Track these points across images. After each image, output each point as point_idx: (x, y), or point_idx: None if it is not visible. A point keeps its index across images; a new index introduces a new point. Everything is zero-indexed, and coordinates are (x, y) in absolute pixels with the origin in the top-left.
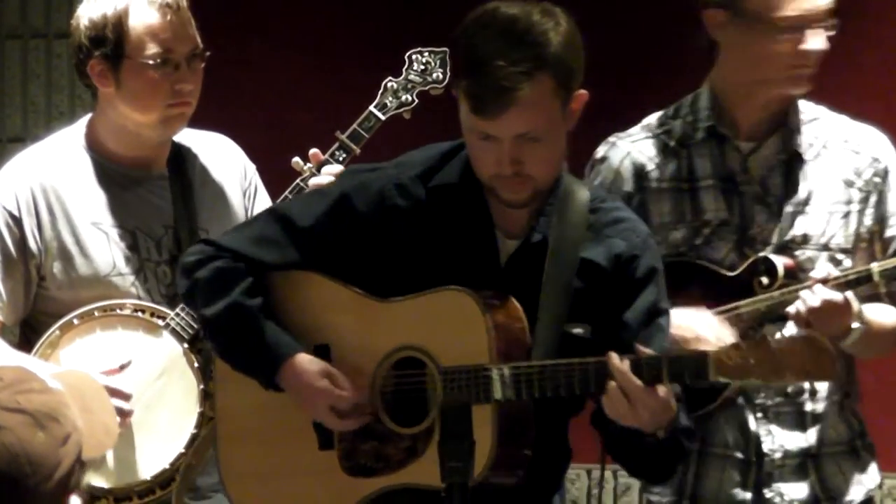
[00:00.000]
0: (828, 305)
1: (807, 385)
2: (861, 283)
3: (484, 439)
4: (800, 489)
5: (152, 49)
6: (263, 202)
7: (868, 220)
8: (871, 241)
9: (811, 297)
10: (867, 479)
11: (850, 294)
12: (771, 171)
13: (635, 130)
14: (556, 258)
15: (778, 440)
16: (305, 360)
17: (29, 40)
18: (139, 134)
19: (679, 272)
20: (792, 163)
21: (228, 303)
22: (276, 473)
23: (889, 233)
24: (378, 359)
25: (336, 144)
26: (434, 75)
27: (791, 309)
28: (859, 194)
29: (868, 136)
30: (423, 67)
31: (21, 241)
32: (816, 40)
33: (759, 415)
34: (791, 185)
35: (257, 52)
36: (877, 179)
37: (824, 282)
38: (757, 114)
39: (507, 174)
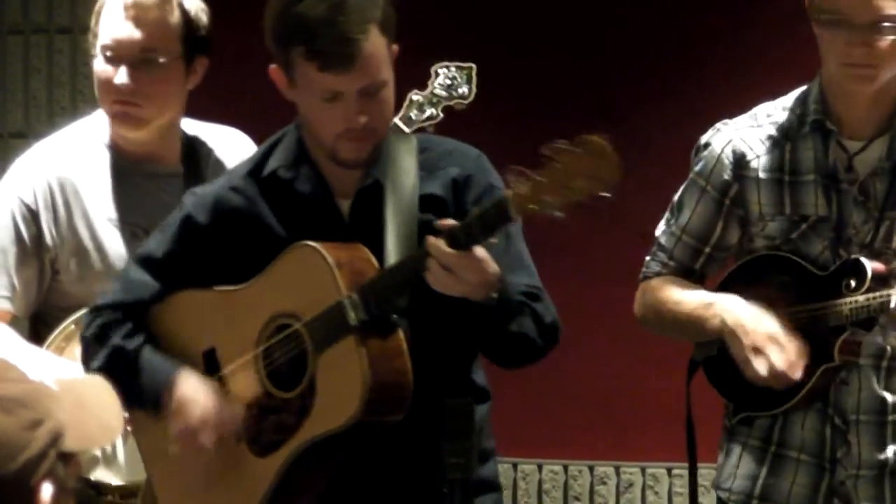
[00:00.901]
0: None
1: (889, 397)
2: None
3: (353, 373)
4: None
5: (106, 42)
6: None
7: None
8: None
9: None
10: None
11: None
12: (875, 174)
13: (742, 118)
14: (395, 198)
15: (854, 449)
16: (187, 384)
17: (31, 35)
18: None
19: (770, 265)
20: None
21: (109, 350)
22: (205, 484)
23: None
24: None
25: None
26: (460, 90)
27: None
28: None
29: None
30: (448, 82)
31: (37, 234)
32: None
33: (839, 420)
34: (894, 191)
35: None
36: None
37: None
38: (858, 112)
39: (357, 128)
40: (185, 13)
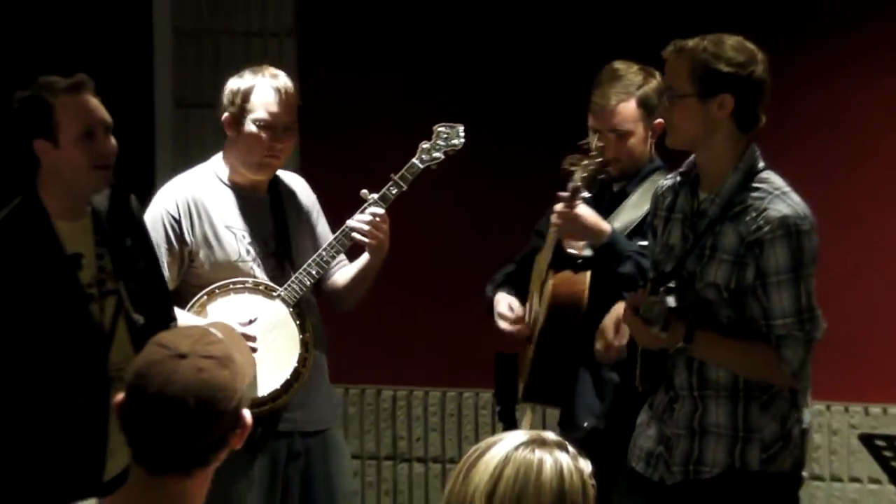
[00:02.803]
0: (621, 317)
1: (695, 379)
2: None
3: (547, 291)
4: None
5: (261, 116)
6: (324, 221)
7: (749, 274)
8: (754, 291)
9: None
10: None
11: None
12: (702, 218)
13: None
14: (624, 208)
15: (677, 413)
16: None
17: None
18: (245, 171)
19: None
20: (713, 219)
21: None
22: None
23: (765, 289)
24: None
25: (390, 182)
26: (453, 142)
27: None
28: (745, 250)
29: (773, 211)
30: (446, 135)
31: (180, 235)
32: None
33: (672, 392)
34: (706, 235)
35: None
36: (757, 249)
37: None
38: (703, 169)
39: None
40: (298, 98)
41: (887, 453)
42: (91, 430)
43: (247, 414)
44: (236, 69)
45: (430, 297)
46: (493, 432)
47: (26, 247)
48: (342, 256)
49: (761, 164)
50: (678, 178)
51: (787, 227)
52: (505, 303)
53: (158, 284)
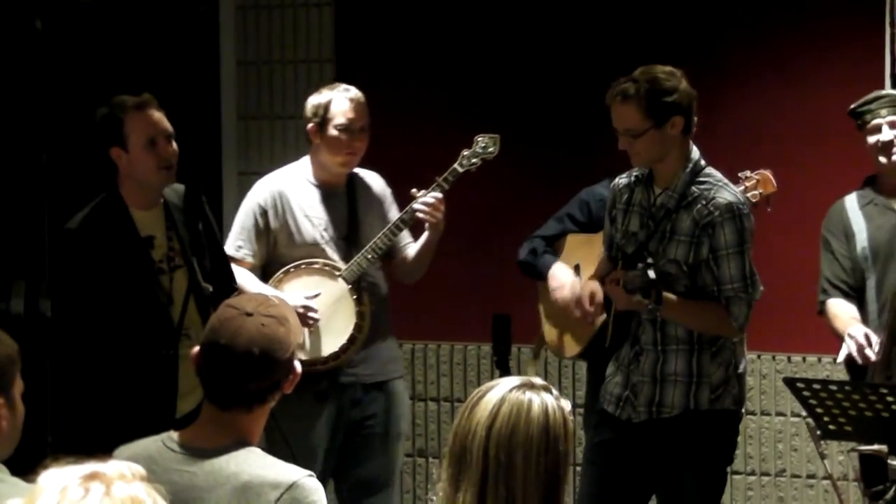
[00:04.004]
0: (607, 290)
1: (660, 336)
2: (642, 285)
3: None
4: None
5: (341, 121)
6: (395, 214)
7: (704, 250)
8: (707, 263)
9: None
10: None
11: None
12: (660, 209)
13: (626, 173)
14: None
15: (642, 365)
16: (558, 268)
17: (276, 121)
18: (331, 168)
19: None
20: (669, 209)
21: (530, 250)
22: (566, 321)
23: (716, 261)
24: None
25: (434, 184)
26: (490, 149)
27: None
28: (700, 231)
29: (720, 199)
30: (484, 145)
31: (266, 222)
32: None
33: (637, 347)
34: (664, 221)
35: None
36: (709, 230)
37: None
38: (657, 173)
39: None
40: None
41: (805, 393)
42: (165, 377)
43: (297, 365)
44: (285, 89)
45: (443, 273)
46: (492, 378)
47: (110, 231)
48: (409, 237)
49: (703, 162)
50: (633, 178)
51: (733, 212)
52: (588, 294)
53: (223, 261)
